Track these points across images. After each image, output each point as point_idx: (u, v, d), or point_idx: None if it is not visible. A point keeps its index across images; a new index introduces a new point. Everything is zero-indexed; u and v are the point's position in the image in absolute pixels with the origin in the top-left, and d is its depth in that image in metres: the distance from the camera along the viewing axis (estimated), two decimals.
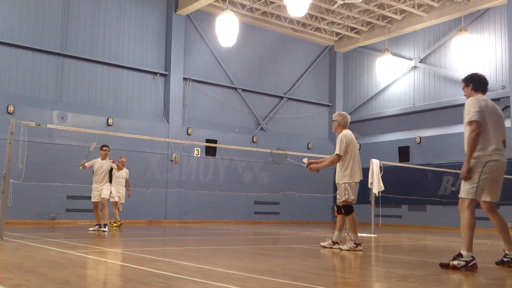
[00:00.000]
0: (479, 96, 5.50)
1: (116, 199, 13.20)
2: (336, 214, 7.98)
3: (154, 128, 17.54)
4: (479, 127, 5.26)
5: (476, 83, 5.62)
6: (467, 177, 5.31)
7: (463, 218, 5.30)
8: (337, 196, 7.79)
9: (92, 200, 11.56)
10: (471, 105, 5.35)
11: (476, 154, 5.30)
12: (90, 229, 11.38)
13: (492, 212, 5.56)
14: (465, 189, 5.33)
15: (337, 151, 7.63)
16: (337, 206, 7.84)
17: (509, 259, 5.53)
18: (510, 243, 5.52)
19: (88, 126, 15.19)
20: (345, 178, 7.61)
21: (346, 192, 7.57)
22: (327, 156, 8.12)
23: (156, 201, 17.21)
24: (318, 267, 5.53)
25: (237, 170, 19.40)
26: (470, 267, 5.15)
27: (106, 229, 10.99)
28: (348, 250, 7.43)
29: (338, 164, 7.74)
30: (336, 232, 7.85)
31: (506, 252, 5.58)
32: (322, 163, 7.81)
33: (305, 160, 7.91)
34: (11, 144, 8.24)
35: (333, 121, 7.98)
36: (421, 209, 19.17)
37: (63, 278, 4.23)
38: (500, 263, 5.59)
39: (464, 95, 5.79)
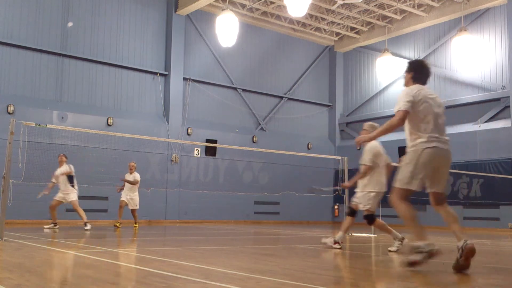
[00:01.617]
0: (416, 85, 5.29)
1: (124, 198, 13.05)
2: (348, 215, 7.80)
3: (154, 128, 17.55)
4: (404, 117, 5.09)
5: (418, 73, 5.40)
6: (359, 142, 5.41)
7: (401, 212, 5.07)
8: (356, 201, 7.65)
9: (54, 197, 11.62)
10: (403, 95, 5.18)
11: (413, 143, 5.14)
12: (46, 227, 11.53)
13: (439, 205, 5.28)
14: (399, 178, 5.14)
15: (364, 162, 7.55)
16: (350, 208, 7.75)
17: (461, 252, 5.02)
18: (459, 233, 5.07)
19: (88, 126, 15.19)
20: (371, 187, 7.52)
21: (370, 202, 7.48)
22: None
23: (156, 201, 17.21)
24: (318, 267, 5.53)
25: (237, 170, 19.40)
26: (431, 256, 4.91)
27: (88, 227, 11.17)
28: (396, 251, 7.35)
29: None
30: (340, 233, 7.76)
31: (457, 244, 5.08)
32: (354, 178, 7.74)
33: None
34: (11, 144, 8.23)
35: (364, 130, 7.85)
36: (421, 209, 19.11)
37: (63, 278, 4.23)
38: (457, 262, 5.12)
39: (403, 78, 5.56)
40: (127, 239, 9.80)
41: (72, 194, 11.46)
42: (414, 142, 5.12)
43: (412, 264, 4.91)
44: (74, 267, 5.06)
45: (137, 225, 13.17)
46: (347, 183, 7.86)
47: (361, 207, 7.60)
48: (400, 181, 5.08)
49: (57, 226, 11.55)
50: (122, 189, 13.09)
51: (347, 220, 7.82)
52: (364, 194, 7.56)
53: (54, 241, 8.42)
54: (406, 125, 5.23)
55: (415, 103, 5.11)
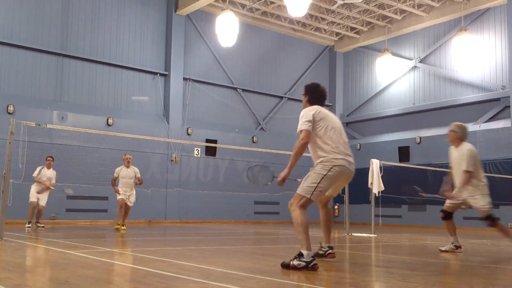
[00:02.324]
0: (314, 106, 5.49)
1: (124, 197, 12.29)
2: (445, 219, 7.54)
3: (154, 128, 17.55)
4: (307, 136, 5.28)
5: (312, 96, 5.62)
6: (281, 183, 5.38)
7: (295, 217, 5.17)
8: (478, 203, 7.24)
9: (32, 199, 12.12)
10: (303, 116, 5.37)
11: (322, 159, 5.28)
12: (27, 226, 11.91)
13: (325, 206, 5.96)
14: (303, 186, 5.23)
15: (468, 168, 7.16)
16: (444, 211, 7.53)
17: (323, 252, 5.87)
18: (329, 236, 5.86)
19: (88, 126, 15.19)
20: (483, 190, 7.30)
21: (486, 204, 7.22)
22: None
23: (156, 201, 17.21)
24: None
25: (237, 170, 19.38)
26: (310, 268, 4.96)
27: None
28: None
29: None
30: (452, 239, 7.49)
31: (322, 244, 5.88)
32: (461, 185, 7.31)
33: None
34: (11, 144, 8.23)
35: (452, 131, 7.53)
36: (421, 209, 19.16)
37: (63, 278, 4.23)
38: (316, 255, 5.46)
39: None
40: (127, 239, 9.79)
41: (44, 197, 12.26)
42: (323, 158, 5.30)
43: (291, 267, 5.03)
44: (74, 267, 5.06)
45: (125, 227, 11.84)
46: (451, 194, 7.34)
47: (479, 206, 7.23)
48: (304, 190, 5.22)
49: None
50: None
51: (448, 224, 7.51)
52: (483, 195, 7.23)
53: (54, 241, 8.42)
54: (311, 144, 5.42)
55: (316, 122, 5.33)
